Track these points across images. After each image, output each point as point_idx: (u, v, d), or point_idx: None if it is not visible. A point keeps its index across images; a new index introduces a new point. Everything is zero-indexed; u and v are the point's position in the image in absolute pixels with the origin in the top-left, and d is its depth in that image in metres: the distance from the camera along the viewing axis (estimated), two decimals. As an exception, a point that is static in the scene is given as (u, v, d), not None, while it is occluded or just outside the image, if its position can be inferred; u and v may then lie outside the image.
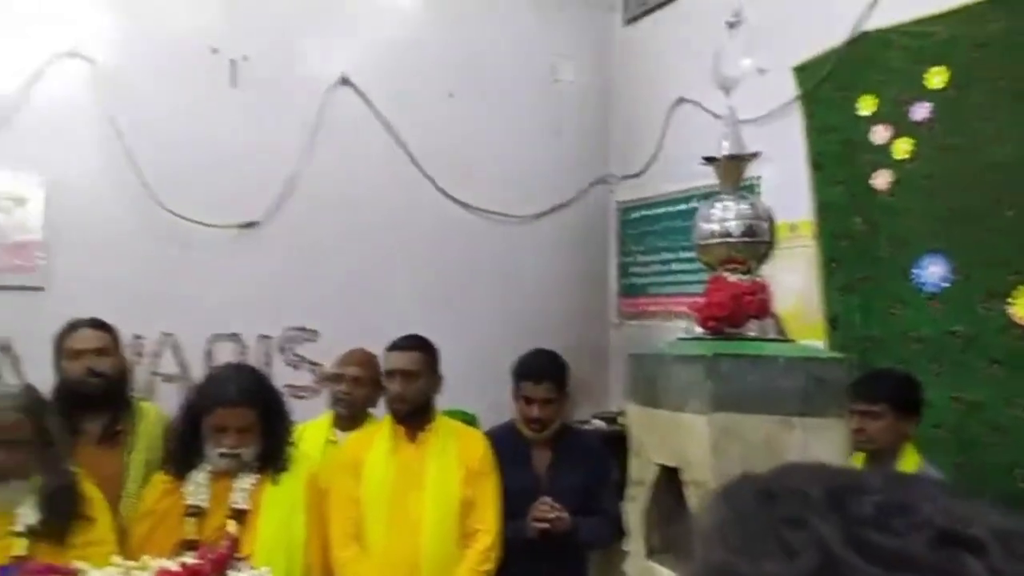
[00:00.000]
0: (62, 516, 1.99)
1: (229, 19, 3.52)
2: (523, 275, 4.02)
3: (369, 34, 3.80)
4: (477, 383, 3.22)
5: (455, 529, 2.41)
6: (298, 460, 2.39)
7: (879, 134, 2.87)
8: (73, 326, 2.51)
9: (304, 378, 3.55)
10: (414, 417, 2.49)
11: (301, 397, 3.39)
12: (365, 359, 2.84)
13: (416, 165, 3.81)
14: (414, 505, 2.40)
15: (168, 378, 3.36)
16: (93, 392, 2.44)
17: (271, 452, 2.30)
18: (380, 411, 2.73)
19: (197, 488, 2.21)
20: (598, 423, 3.86)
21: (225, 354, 3.44)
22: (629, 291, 4.19)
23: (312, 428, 2.78)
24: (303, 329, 3.60)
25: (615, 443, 2.58)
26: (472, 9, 3.97)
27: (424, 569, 2.36)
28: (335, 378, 2.86)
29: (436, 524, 2.39)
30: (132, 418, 2.51)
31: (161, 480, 2.27)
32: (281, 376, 3.32)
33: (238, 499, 2.22)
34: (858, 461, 2.22)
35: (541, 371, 2.65)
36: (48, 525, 1.97)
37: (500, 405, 2.86)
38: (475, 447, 2.53)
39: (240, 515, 2.21)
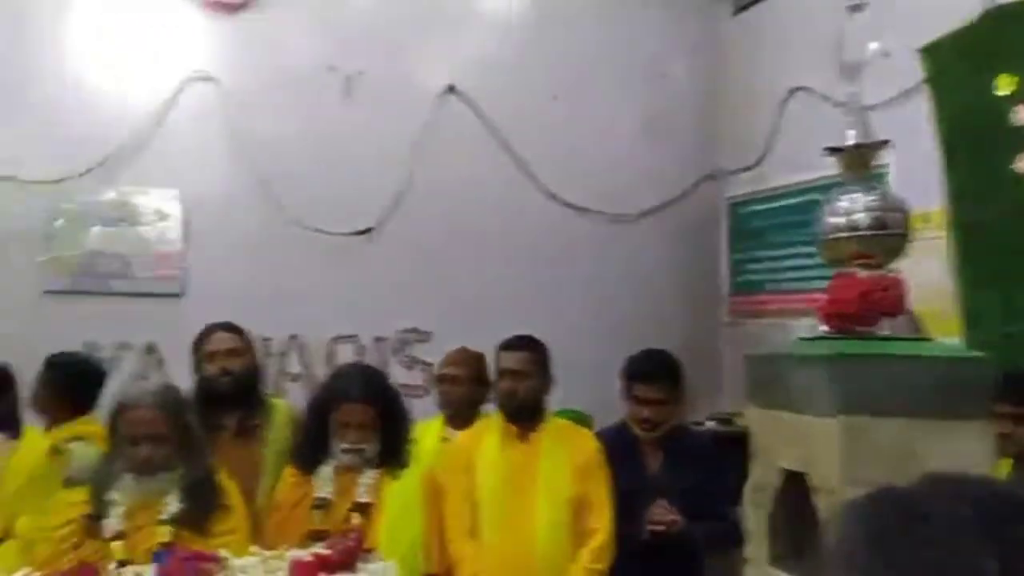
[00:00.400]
0: (203, 506, 2.14)
1: (344, 37, 3.70)
2: (633, 274, 3.98)
3: (473, 42, 3.87)
4: (589, 383, 3.20)
5: (568, 527, 2.41)
6: (416, 457, 2.48)
7: (1022, 115, 2.65)
8: (209, 330, 2.71)
9: (418, 378, 3.65)
10: (525, 416, 2.51)
11: (416, 396, 3.48)
12: (462, 358, 2.90)
13: (523, 168, 3.85)
14: (526, 503, 2.43)
15: (294, 377, 3.55)
16: (226, 390, 2.62)
17: (391, 448, 2.38)
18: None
19: (324, 482, 2.33)
20: (712, 424, 3.76)
21: (345, 355, 3.60)
22: (742, 289, 4.06)
23: (427, 427, 2.86)
24: (415, 331, 3.71)
25: (731, 445, 2.51)
26: (575, 9, 3.97)
27: (538, 566, 2.38)
28: (440, 378, 2.95)
29: (549, 522, 2.41)
30: (266, 414, 2.67)
31: (291, 474, 2.40)
32: (396, 376, 3.42)
33: (362, 493, 2.32)
34: (1004, 468, 2.06)
35: (652, 371, 2.61)
36: (190, 514, 2.12)
37: (613, 405, 2.84)
38: (585, 446, 2.52)
39: (363, 508, 2.30)
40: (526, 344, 2.57)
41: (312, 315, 3.57)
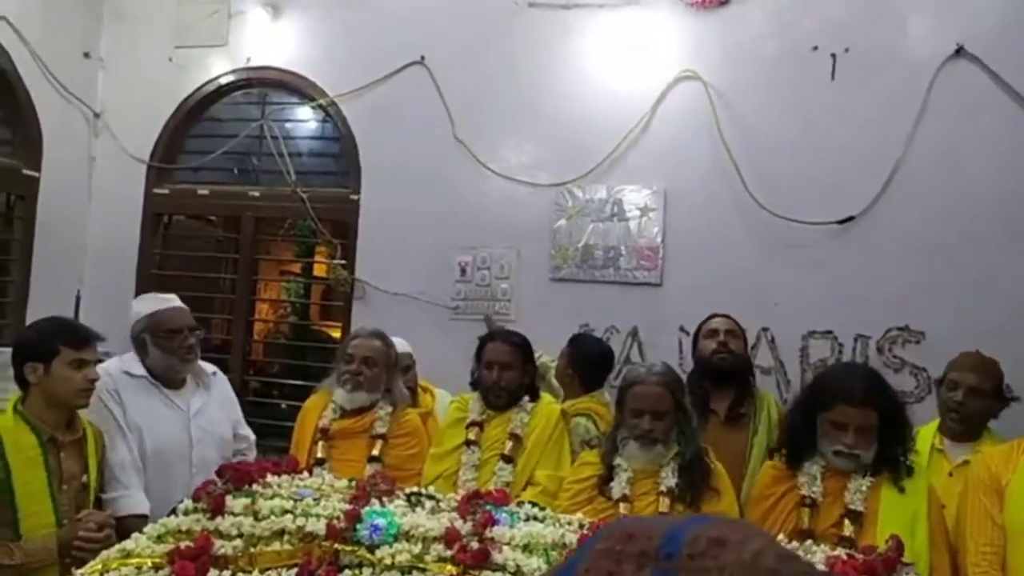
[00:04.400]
0: (695, 484, 2.24)
1: (826, 15, 3.50)
2: None
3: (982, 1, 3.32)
4: None
5: None
6: (920, 469, 2.24)
7: None
8: (711, 316, 2.97)
9: (907, 383, 3.27)
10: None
11: (904, 403, 3.14)
12: (981, 365, 2.59)
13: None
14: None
15: (765, 371, 3.50)
16: (724, 366, 2.77)
17: (889, 456, 2.18)
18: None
19: (811, 480, 2.22)
20: None
21: (819, 351, 3.43)
22: None
23: (920, 434, 2.57)
24: (905, 329, 3.34)
25: None
26: None
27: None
28: (952, 384, 2.61)
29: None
30: (754, 403, 2.73)
31: (773, 467, 2.36)
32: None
33: (854, 500, 2.16)
34: None
35: None
36: (683, 490, 2.24)
37: None
38: None
39: (855, 516, 2.15)
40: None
41: (785, 309, 3.47)
